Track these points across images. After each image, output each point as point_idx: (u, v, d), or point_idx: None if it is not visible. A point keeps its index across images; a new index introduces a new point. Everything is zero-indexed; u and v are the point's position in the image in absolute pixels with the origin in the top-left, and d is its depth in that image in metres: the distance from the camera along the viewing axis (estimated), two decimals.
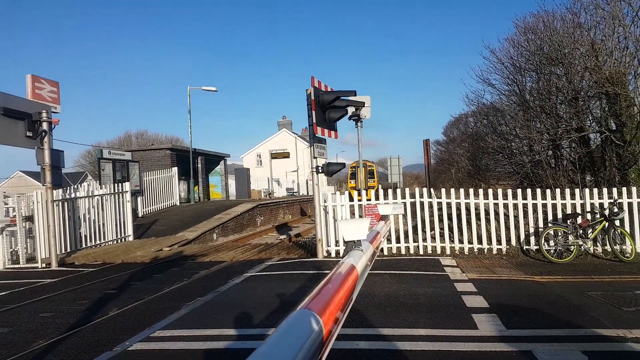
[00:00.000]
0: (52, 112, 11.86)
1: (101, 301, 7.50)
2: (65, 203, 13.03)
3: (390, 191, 11.44)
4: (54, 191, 11.81)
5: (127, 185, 15.70)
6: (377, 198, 11.37)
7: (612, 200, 10.08)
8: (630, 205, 10.16)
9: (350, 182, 38.66)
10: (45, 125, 11.05)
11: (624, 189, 10.30)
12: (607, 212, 9.85)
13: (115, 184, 15.97)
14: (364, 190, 11.51)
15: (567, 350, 4.49)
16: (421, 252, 11.01)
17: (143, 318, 6.30)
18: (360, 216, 11.19)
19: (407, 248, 11.14)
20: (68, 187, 13.85)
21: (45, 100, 12.33)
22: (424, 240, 11.14)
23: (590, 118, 15.63)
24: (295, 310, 1.42)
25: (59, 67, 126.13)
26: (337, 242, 11.24)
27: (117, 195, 15.10)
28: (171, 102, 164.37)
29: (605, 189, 10.50)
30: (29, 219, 12.47)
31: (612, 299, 6.37)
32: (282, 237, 18.98)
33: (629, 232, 9.87)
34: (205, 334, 5.43)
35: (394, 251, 11.15)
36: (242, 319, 6.00)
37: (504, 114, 20.34)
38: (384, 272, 8.74)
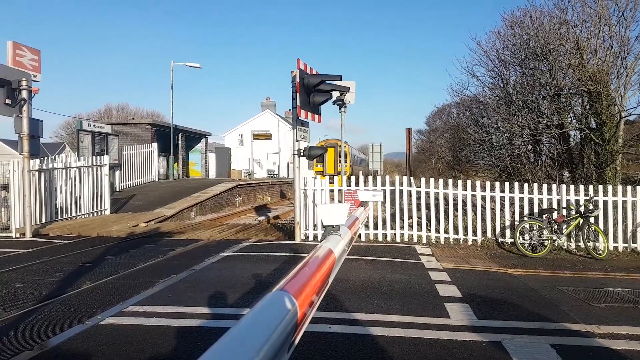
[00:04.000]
0: (32, 80, 11.63)
1: (75, 274, 7.43)
2: (42, 173, 12.83)
3: (370, 178, 11.47)
4: (31, 161, 11.63)
5: (105, 159, 15.52)
6: (357, 184, 11.38)
7: (588, 198, 10.26)
8: (605, 203, 10.35)
9: (316, 165, 31.32)
10: (24, 94, 10.84)
11: (600, 187, 10.48)
12: (582, 209, 10.01)
13: (94, 157, 15.79)
14: (334, 176, 11.41)
15: (536, 343, 4.57)
16: (398, 239, 11.10)
17: (116, 293, 6.26)
18: (340, 201, 11.22)
19: (385, 235, 11.22)
20: (45, 158, 13.62)
21: (26, 68, 12.05)
22: (402, 228, 11.22)
23: (571, 115, 15.82)
24: (271, 291, 1.41)
25: (40, 34, 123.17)
26: (315, 226, 11.25)
27: (95, 168, 14.92)
28: (154, 77, 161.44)
29: (582, 186, 10.67)
30: (5, 187, 12.27)
31: (583, 294, 6.50)
32: (261, 218, 18.95)
33: (602, 229, 10.04)
34: (179, 311, 5.41)
35: (372, 238, 11.21)
36: (217, 298, 6.00)
37: (486, 106, 20.48)
38: (360, 257, 8.79)
